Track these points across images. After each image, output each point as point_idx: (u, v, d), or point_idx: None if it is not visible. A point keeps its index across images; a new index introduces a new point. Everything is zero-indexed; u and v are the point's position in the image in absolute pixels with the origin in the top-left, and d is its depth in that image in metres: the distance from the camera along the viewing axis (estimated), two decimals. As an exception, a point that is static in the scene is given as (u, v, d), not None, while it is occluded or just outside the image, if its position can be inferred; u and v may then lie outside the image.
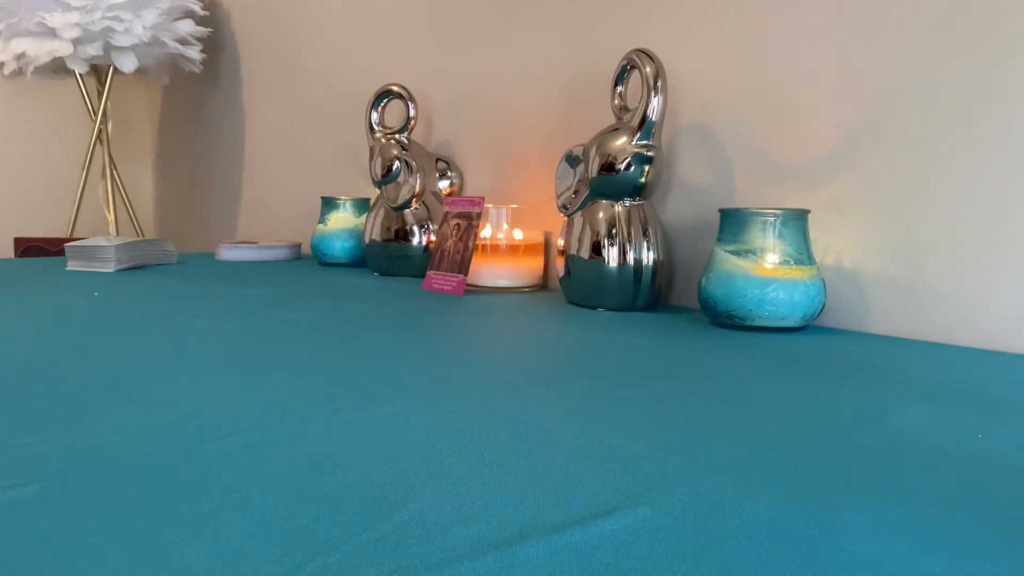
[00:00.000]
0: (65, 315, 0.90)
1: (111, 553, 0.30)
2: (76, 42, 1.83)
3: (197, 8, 2.02)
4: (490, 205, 1.20)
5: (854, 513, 0.36)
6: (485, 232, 1.18)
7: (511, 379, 0.63)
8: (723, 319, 0.85)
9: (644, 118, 0.95)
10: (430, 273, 1.17)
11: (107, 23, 1.82)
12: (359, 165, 1.64)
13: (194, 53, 2.02)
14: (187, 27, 1.99)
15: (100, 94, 2.07)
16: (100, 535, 0.32)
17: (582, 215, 1.01)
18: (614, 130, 0.99)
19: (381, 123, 1.38)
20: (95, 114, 2.07)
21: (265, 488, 0.37)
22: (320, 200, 1.54)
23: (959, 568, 0.31)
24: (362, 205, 1.51)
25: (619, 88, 1.02)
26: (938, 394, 0.60)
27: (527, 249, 1.19)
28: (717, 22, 1.01)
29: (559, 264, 1.04)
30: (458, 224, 1.16)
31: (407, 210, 1.32)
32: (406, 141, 1.34)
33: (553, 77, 1.24)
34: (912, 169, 0.84)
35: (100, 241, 1.35)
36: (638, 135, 0.96)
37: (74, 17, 1.79)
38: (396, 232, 1.33)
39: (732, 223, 0.85)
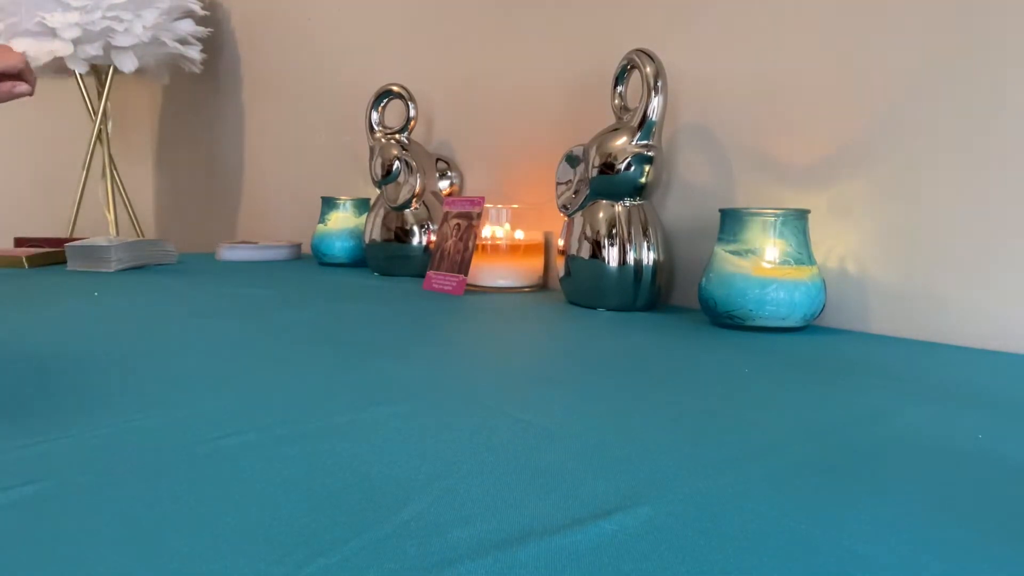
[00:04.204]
0: (65, 315, 0.89)
1: (111, 553, 0.30)
2: (76, 42, 1.83)
3: (197, 8, 2.02)
4: (490, 205, 1.20)
5: (854, 513, 0.36)
6: (485, 232, 1.18)
7: (511, 379, 0.63)
8: (723, 319, 0.85)
9: (644, 118, 0.95)
10: (430, 273, 1.17)
11: (107, 23, 1.82)
12: (359, 165, 1.64)
13: (194, 53, 2.02)
14: (187, 27, 1.99)
15: (100, 94, 2.07)
16: (100, 535, 0.32)
17: (582, 215, 1.01)
18: (614, 130, 0.99)
19: (381, 123, 1.38)
20: (95, 114, 2.07)
21: (265, 488, 0.37)
22: (320, 200, 1.54)
23: (959, 568, 0.31)
24: (362, 205, 1.51)
25: (619, 88, 1.02)
26: (938, 394, 0.60)
27: (527, 249, 1.19)
28: (717, 22, 1.01)
29: (559, 264, 1.04)
30: (458, 224, 1.16)
31: (407, 210, 1.32)
32: (406, 141, 1.34)
33: (553, 77, 1.24)
34: (913, 170, 0.84)
35: (100, 241, 1.35)
36: (638, 135, 0.96)
37: (74, 17, 1.79)
38: (396, 232, 1.33)
39: (732, 223, 0.85)
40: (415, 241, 1.32)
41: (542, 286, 1.22)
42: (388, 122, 1.40)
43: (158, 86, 2.41)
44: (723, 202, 0.98)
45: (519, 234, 1.20)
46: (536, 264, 1.20)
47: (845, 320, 0.89)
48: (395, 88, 1.37)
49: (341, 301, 1.05)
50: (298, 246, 1.67)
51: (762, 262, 0.83)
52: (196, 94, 2.31)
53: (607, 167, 0.97)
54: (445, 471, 0.40)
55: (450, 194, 1.42)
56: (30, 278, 1.20)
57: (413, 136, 1.38)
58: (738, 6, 0.99)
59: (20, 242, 1.68)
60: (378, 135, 1.36)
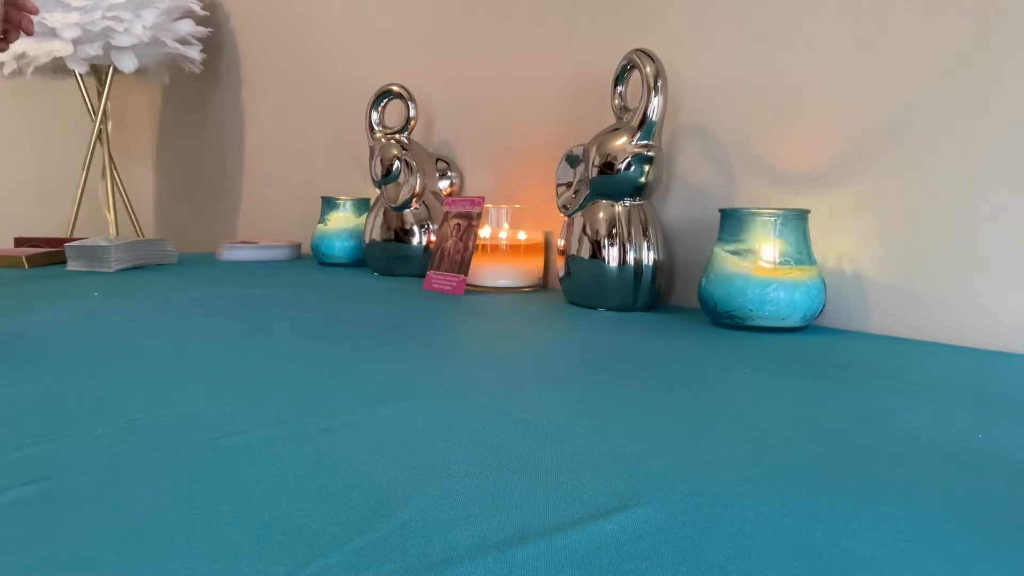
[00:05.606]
0: (65, 315, 0.89)
1: (111, 553, 0.30)
2: (76, 42, 1.83)
3: (197, 8, 2.02)
4: (490, 205, 1.20)
5: (854, 513, 0.36)
6: (485, 232, 1.18)
7: (511, 379, 0.62)
8: (723, 319, 0.85)
9: (644, 118, 0.95)
10: (430, 273, 1.17)
11: (107, 23, 1.82)
12: (359, 165, 1.64)
13: (194, 53, 2.02)
14: (187, 27, 1.99)
15: (100, 94, 2.07)
16: (100, 535, 0.32)
17: (582, 215, 1.01)
18: (614, 130, 0.99)
19: (381, 123, 1.38)
20: (95, 114, 2.07)
21: (265, 488, 0.37)
22: (320, 200, 1.54)
23: (959, 568, 0.31)
24: (362, 205, 1.51)
25: (619, 88, 1.02)
26: (938, 394, 0.59)
27: (527, 249, 1.19)
28: (718, 22, 1.01)
29: (559, 264, 1.04)
30: (458, 224, 1.16)
31: (407, 210, 1.32)
32: (406, 141, 1.34)
33: (553, 77, 1.24)
34: (912, 170, 0.84)
35: (100, 241, 1.35)
36: (638, 135, 0.96)
37: (74, 17, 1.79)
38: (396, 232, 1.33)
39: (732, 223, 0.85)
40: (415, 241, 1.32)
41: (542, 286, 1.22)
42: (388, 122, 1.40)
43: (158, 86, 2.41)
44: (723, 202, 0.98)
45: (521, 235, 1.20)
46: (536, 264, 1.20)
47: (845, 320, 0.89)
48: (395, 88, 1.37)
49: (341, 301, 1.05)
50: (298, 246, 1.67)
51: (762, 262, 0.83)
52: (196, 94, 2.31)
53: (607, 167, 0.97)
54: (445, 471, 0.40)
55: (450, 194, 1.42)
56: (30, 278, 1.20)
57: (413, 136, 1.38)
58: (738, 7, 0.99)
59: (20, 242, 1.68)
60: (378, 135, 1.36)
